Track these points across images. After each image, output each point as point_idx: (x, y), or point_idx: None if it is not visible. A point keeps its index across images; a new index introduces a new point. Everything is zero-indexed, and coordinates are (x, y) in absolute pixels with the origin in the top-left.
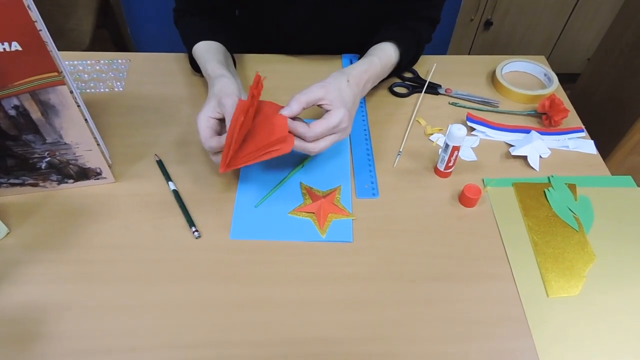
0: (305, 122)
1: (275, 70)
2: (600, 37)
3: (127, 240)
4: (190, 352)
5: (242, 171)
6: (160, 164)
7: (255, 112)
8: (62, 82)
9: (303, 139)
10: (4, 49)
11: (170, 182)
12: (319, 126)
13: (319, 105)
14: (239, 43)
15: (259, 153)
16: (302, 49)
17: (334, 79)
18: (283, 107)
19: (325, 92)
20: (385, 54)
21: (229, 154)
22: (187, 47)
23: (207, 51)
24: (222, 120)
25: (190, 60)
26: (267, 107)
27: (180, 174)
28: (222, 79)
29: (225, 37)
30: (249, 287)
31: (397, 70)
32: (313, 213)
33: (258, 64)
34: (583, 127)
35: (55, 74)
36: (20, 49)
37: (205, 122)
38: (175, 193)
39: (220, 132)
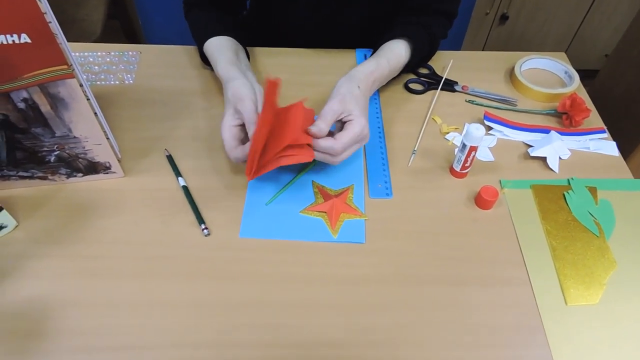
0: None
1: (284, 64)
2: (618, 33)
3: (135, 237)
4: (196, 351)
5: None
6: (170, 159)
7: (277, 115)
8: (72, 75)
9: (330, 154)
10: (13, 41)
11: (180, 178)
12: (344, 138)
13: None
14: (248, 38)
15: (281, 159)
16: (310, 43)
17: (346, 89)
18: (308, 109)
19: (344, 106)
20: (394, 54)
21: (254, 164)
22: (198, 44)
23: (217, 49)
24: (243, 126)
25: (200, 55)
26: (292, 113)
27: (190, 170)
28: (234, 82)
29: (236, 31)
30: (258, 287)
31: (408, 69)
32: (325, 212)
33: (267, 57)
34: (605, 127)
35: (65, 66)
36: (29, 41)
37: (228, 131)
38: (185, 189)
39: (244, 139)
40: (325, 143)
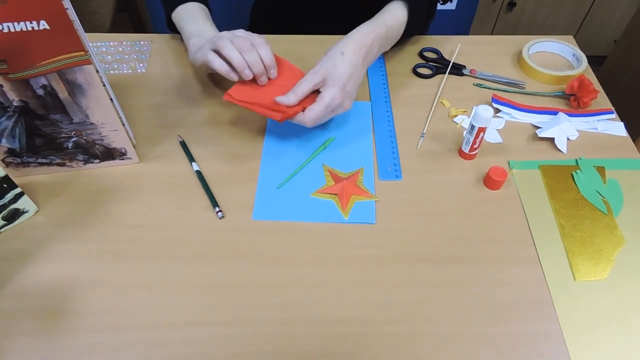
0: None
1: (290, 52)
2: (627, 18)
3: (152, 220)
4: (212, 330)
5: (265, 152)
6: (183, 144)
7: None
8: (89, 62)
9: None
10: (32, 27)
11: (193, 163)
12: (314, 111)
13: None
14: (261, 24)
15: (261, 108)
16: (318, 29)
17: (327, 58)
18: (300, 71)
19: (320, 78)
20: (390, 14)
21: (243, 98)
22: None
23: (192, 15)
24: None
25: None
26: (285, 70)
27: (203, 155)
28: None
29: None
30: (272, 268)
31: (410, 30)
32: (336, 194)
33: (274, 45)
34: (613, 108)
35: (82, 53)
36: (48, 27)
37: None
38: (199, 174)
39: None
40: (297, 117)
